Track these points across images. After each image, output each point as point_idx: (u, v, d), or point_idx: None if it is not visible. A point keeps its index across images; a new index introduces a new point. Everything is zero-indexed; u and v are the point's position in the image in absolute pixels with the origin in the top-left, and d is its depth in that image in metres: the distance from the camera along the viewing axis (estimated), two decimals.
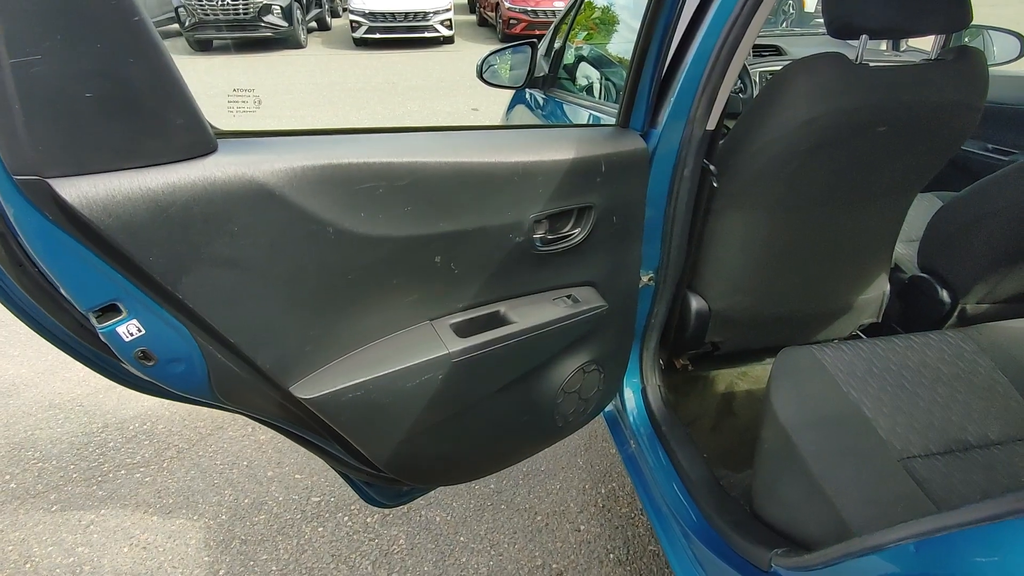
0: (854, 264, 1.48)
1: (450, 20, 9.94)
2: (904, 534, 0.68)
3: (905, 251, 1.80)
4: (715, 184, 1.29)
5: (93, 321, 0.62)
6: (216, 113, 0.67)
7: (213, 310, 0.67)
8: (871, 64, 1.09)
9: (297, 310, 0.75)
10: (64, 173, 0.54)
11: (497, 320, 1.03)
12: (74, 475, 1.88)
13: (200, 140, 0.61)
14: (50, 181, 0.53)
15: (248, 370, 0.75)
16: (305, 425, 0.89)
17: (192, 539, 1.66)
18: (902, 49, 2.68)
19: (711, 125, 1.18)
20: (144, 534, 1.67)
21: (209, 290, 0.66)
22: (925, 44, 2.38)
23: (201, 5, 8.80)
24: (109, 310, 0.62)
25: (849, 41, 1.24)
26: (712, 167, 1.25)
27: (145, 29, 0.54)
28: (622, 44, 2.35)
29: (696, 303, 1.50)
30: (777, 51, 2.37)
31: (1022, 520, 0.57)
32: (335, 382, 0.82)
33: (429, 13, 9.74)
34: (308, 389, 0.80)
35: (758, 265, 1.43)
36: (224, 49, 9.64)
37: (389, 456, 0.97)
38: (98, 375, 0.82)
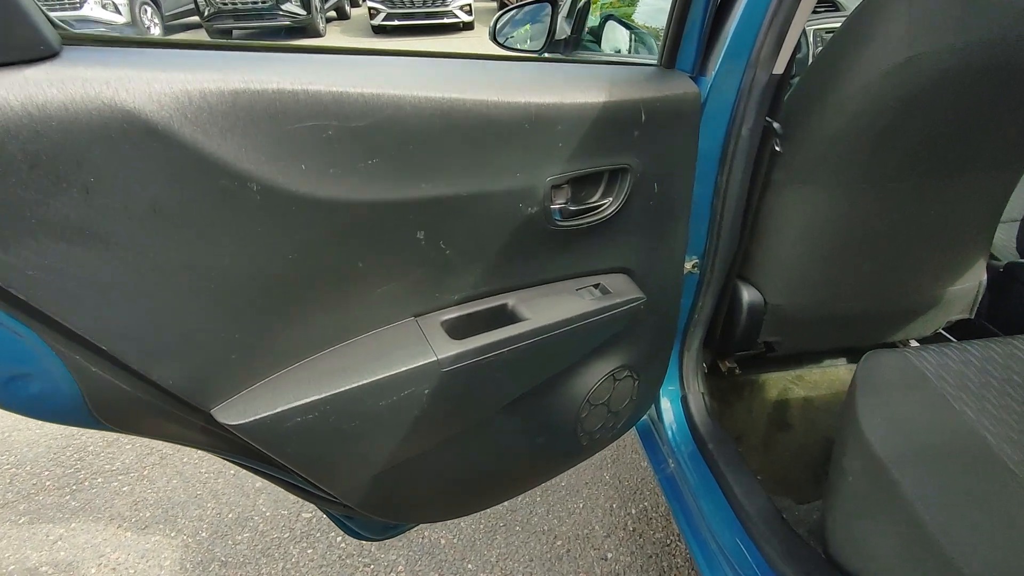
0: (947, 248, 1.21)
1: (470, 6, 9.68)
2: None
3: (999, 234, 1.51)
4: (778, 148, 1.04)
5: None
6: None
7: (67, 304, 0.45)
8: None
9: (211, 305, 0.53)
10: None
11: (504, 316, 0.80)
12: (47, 483, 1.71)
13: (21, 38, 0.39)
14: None
15: (143, 388, 0.53)
16: (247, 453, 0.67)
17: (167, 559, 1.47)
18: None
19: (779, 68, 0.93)
20: (115, 552, 1.49)
21: (55, 274, 0.44)
22: None
23: None
24: None
25: None
26: (776, 125, 1.00)
27: None
28: (651, 4, 2.08)
29: (749, 295, 1.24)
30: (834, 6, 2.07)
31: None
32: (276, 402, 0.60)
33: None
34: (237, 412, 0.58)
35: (827, 251, 1.17)
36: (244, 39, 9.56)
37: (362, 494, 0.75)
38: None
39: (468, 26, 10.02)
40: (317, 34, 9.56)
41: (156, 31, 8.70)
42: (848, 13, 2.17)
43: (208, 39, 0.48)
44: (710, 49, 0.90)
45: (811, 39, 1.91)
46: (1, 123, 0.38)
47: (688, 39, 0.86)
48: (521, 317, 0.79)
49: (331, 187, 0.55)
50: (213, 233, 0.50)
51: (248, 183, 0.50)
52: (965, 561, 0.68)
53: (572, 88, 0.71)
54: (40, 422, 1.91)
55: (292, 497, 1.63)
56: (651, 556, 1.47)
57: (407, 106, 0.58)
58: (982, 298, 1.37)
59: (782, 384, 1.56)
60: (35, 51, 0.40)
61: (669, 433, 1.27)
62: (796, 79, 1.02)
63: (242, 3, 8.88)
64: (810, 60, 1.89)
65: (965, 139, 1.01)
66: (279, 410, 0.59)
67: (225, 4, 8.82)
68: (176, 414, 0.57)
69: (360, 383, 0.64)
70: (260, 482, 1.68)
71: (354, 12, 12.05)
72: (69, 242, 0.43)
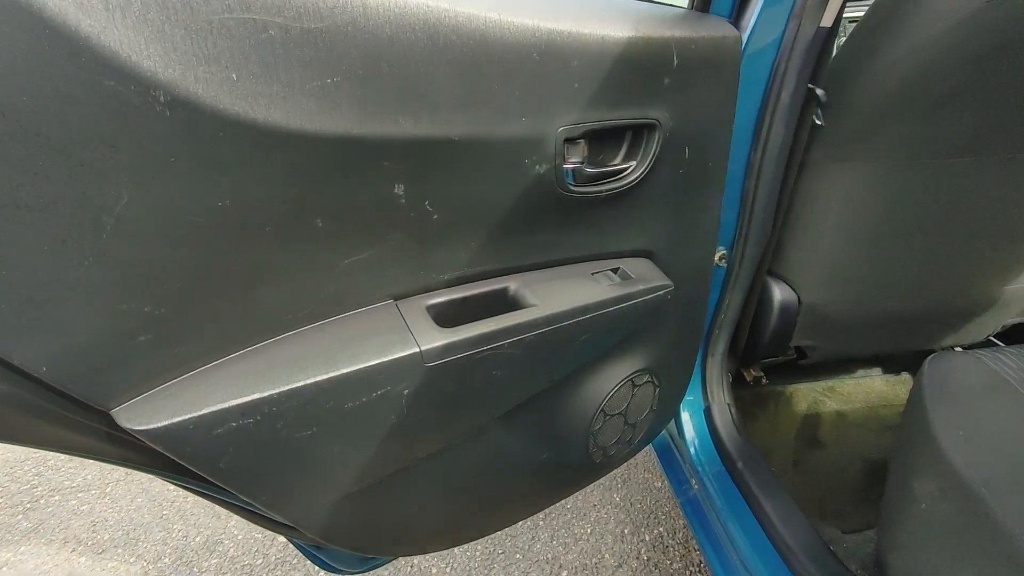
0: (1010, 240, 1.06)
1: None
2: None
3: None
4: (818, 121, 0.90)
5: None
6: None
7: None
8: None
9: (106, 264, 0.38)
10: None
11: (505, 302, 0.66)
12: (0, 500, 1.55)
13: None
14: None
15: (7, 378, 0.38)
16: (170, 468, 0.52)
17: None
18: None
19: (827, 20, 0.80)
20: None
21: None
22: None
23: None
24: None
25: None
26: (820, 91, 0.86)
27: None
28: None
29: (781, 293, 1.10)
30: None
31: None
32: (203, 400, 0.45)
33: None
34: (146, 414, 0.43)
35: (872, 240, 1.02)
36: None
37: (323, 520, 0.59)
38: None
39: None
40: None
41: None
42: None
43: None
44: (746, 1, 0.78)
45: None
46: None
47: None
48: (525, 304, 0.65)
49: (274, 110, 0.41)
50: (97, 158, 0.36)
51: (151, 90, 0.36)
52: None
53: (592, 16, 0.58)
54: None
55: None
56: None
57: (379, 10, 0.44)
58: None
59: (811, 396, 1.41)
60: None
61: (691, 450, 1.12)
62: (853, 29, 0.89)
63: None
64: (843, 31, 1.76)
65: None
66: (206, 411, 0.45)
67: None
68: (63, 415, 0.43)
69: (319, 379, 0.50)
70: None
71: None
72: None
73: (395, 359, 0.54)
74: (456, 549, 1.38)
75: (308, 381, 0.49)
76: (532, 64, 0.54)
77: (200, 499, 1.51)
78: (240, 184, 0.42)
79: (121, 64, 0.35)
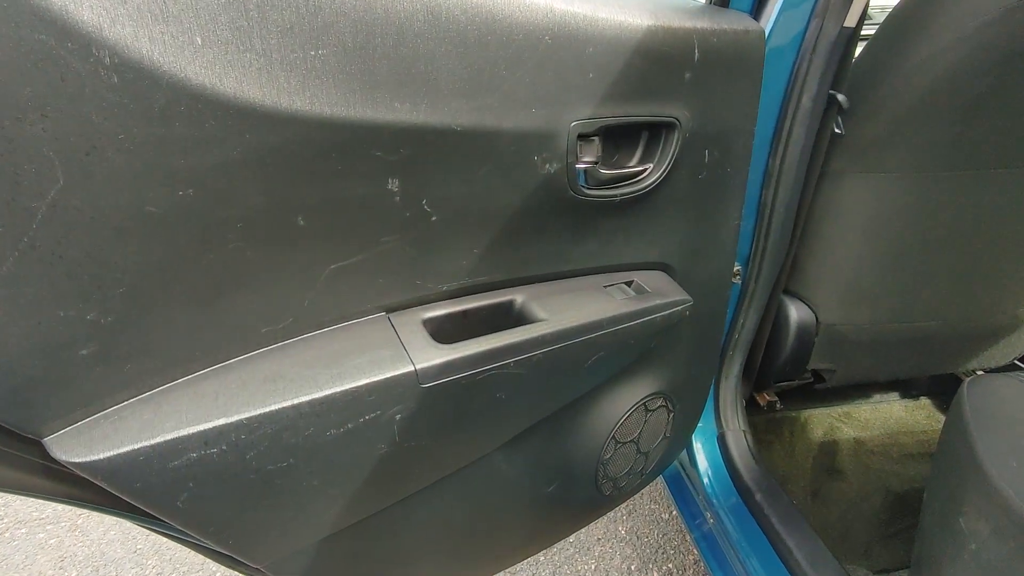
0: None
1: None
2: None
3: None
4: (839, 130, 0.86)
5: None
6: None
7: None
8: None
9: (33, 260, 0.32)
10: None
11: (510, 316, 0.59)
12: None
13: None
14: None
15: None
16: (120, 506, 0.44)
17: None
18: None
19: (851, 20, 0.75)
20: None
21: None
22: None
23: None
24: None
25: None
26: (841, 97, 0.82)
27: None
28: None
29: (797, 313, 1.04)
30: None
31: None
32: (158, 427, 0.38)
33: None
34: (88, 442, 0.36)
35: (893, 259, 0.97)
36: None
37: (303, 567, 0.52)
38: None
39: None
40: None
41: None
42: None
43: None
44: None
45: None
46: None
47: None
48: (533, 319, 0.58)
49: (246, 83, 0.35)
50: (23, 132, 0.29)
51: (93, 49, 0.30)
52: None
53: (610, 1, 0.53)
54: None
55: None
56: None
57: None
58: None
59: (828, 422, 1.34)
60: None
61: (705, 480, 1.04)
62: (875, 33, 0.85)
63: None
64: None
65: None
66: (160, 440, 0.37)
67: None
68: None
69: (297, 401, 0.43)
70: None
71: None
72: None
73: (386, 379, 0.47)
74: None
75: (285, 404, 0.42)
76: (544, 48, 0.48)
77: None
78: (205, 170, 0.36)
79: (54, 15, 0.29)
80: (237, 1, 0.34)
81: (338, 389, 0.45)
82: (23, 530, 1.46)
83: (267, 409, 0.42)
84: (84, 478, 0.38)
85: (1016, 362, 1.23)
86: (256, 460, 0.42)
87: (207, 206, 0.37)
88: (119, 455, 0.36)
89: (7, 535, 1.44)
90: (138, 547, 1.41)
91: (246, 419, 0.41)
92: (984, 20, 0.70)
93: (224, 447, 0.40)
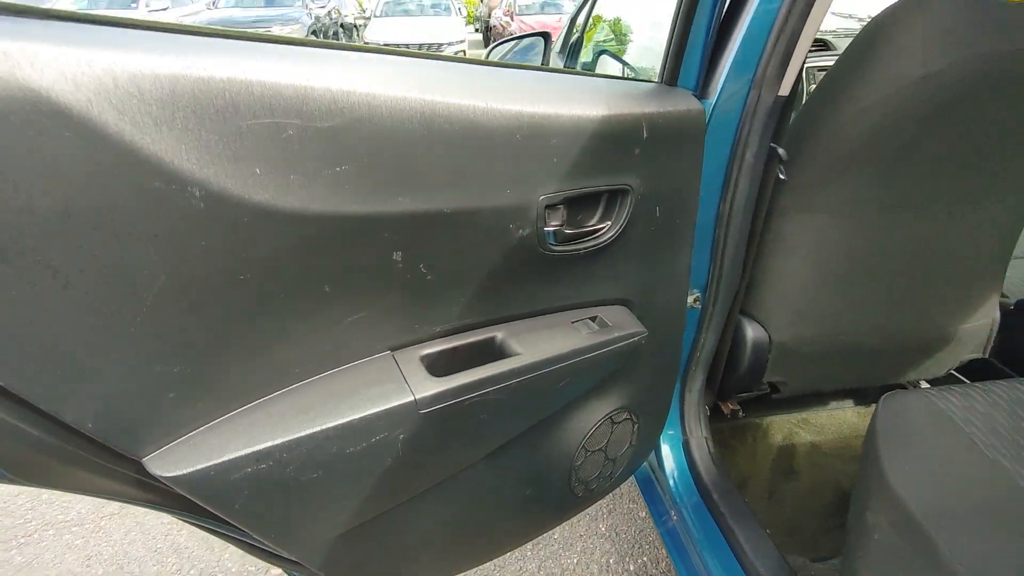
0: (961, 282, 1.15)
1: (463, 52, 9.95)
2: None
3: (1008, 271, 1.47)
4: (782, 175, 0.99)
5: None
6: None
7: None
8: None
9: (142, 333, 0.45)
10: None
11: (492, 351, 0.72)
12: None
13: None
14: None
15: (56, 433, 0.44)
16: (190, 509, 0.57)
17: None
18: None
19: (784, 90, 0.88)
20: None
21: None
22: None
23: None
24: None
25: None
26: (781, 151, 0.95)
27: None
28: (644, 40, 2.09)
29: (753, 332, 1.17)
30: (825, 45, 2.08)
31: None
32: (222, 449, 0.51)
33: (443, 45, 9.76)
34: (174, 462, 0.49)
35: (833, 284, 1.10)
36: None
37: (325, 556, 0.65)
38: None
39: None
40: None
41: None
42: (839, 53, 2.19)
43: (142, 19, 0.41)
44: (713, 67, 0.86)
45: (803, 75, 1.91)
46: None
47: (690, 56, 0.81)
48: (511, 352, 0.71)
49: (292, 197, 0.48)
50: (142, 246, 0.42)
51: (188, 187, 0.43)
52: None
53: (569, 99, 0.66)
54: None
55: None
56: None
57: (382, 107, 0.51)
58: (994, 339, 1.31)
59: (787, 428, 1.47)
60: None
61: (671, 482, 1.17)
62: (812, 93, 0.98)
63: None
64: (804, 97, 1.88)
65: (986, 162, 0.96)
66: (226, 459, 0.50)
67: None
68: (99, 464, 0.48)
69: (324, 427, 0.56)
70: None
71: None
72: None
73: (392, 408, 0.60)
74: None
75: (315, 429, 0.55)
76: (516, 144, 0.61)
77: (194, 532, 1.54)
78: (261, 259, 0.49)
79: (165, 168, 0.41)
80: (285, 140, 0.46)
81: (355, 416, 0.58)
82: (51, 532, 1.57)
83: (301, 434, 0.55)
84: (165, 488, 0.50)
85: (953, 372, 1.36)
86: (294, 473, 0.55)
87: (259, 284, 0.50)
88: (196, 471, 0.49)
89: (36, 536, 1.56)
90: (158, 546, 1.53)
91: (286, 442, 0.54)
92: (902, 85, 0.82)
93: (271, 463, 0.53)
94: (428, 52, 0.60)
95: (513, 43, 1.85)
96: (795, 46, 0.83)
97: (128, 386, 0.45)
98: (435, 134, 0.55)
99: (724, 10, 0.81)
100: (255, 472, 0.52)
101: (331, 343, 0.59)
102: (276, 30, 9.04)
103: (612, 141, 0.69)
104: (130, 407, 0.46)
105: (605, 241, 0.75)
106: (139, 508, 1.61)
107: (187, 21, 9.57)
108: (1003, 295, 1.45)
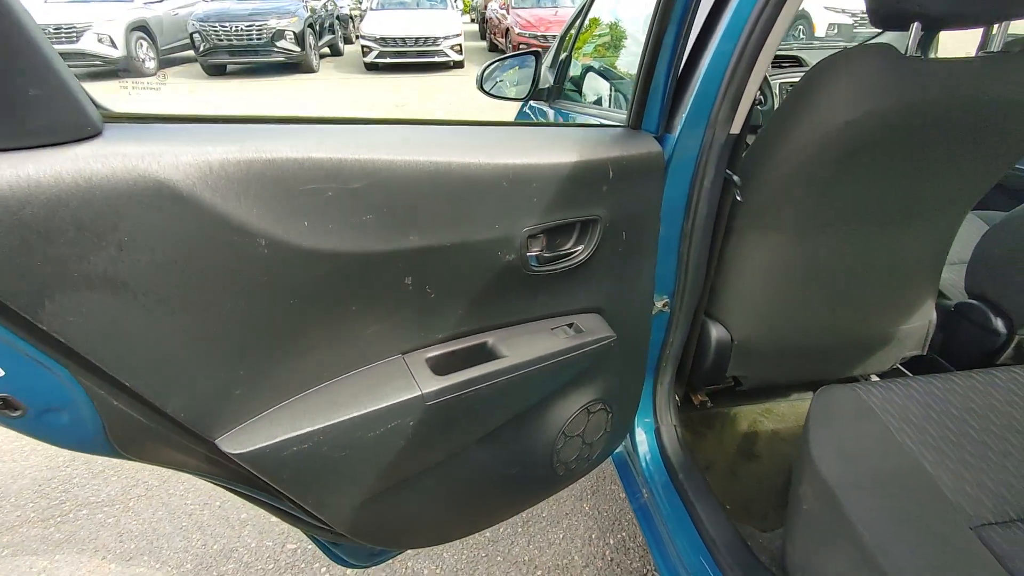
0: (896, 290, 1.31)
1: (460, 46, 10.00)
2: None
3: (948, 275, 1.62)
4: (738, 198, 1.14)
5: None
6: None
7: (96, 345, 0.52)
8: (922, 58, 0.93)
9: (220, 345, 0.60)
10: None
11: (484, 354, 0.87)
12: (32, 515, 1.72)
13: (71, 121, 0.47)
14: None
15: (157, 419, 0.59)
16: (244, 481, 0.72)
17: None
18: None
19: (735, 129, 1.03)
20: None
21: (88, 319, 0.50)
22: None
23: (216, 31, 8.92)
24: None
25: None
26: (735, 178, 1.10)
27: None
28: (630, 57, 2.23)
29: (716, 332, 1.33)
30: (798, 62, 2.23)
31: None
32: (274, 433, 0.66)
33: (439, 38, 9.80)
34: (239, 442, 0.64)
35: (785, 291, 1.26)
36: (238, 74, 9.76)
37: (350, 519, 0.80)
38: None
39: (458, 64, 10.32)
40: (311, 70, 9.80)
41: (151, 64, 8.89)
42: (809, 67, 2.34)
43: (226, 114, 0.56)
44: (674, 112, 1.01)
45: (776, 91, 2.05)
46: (55, 193, 0.45)
47: (652, 102, 0.96)
48: (499, 354, 0.87)
49: (330, 241, 0.63)
50: (225, 283, 0.57)
51: (258, 239, 0.57)
52: None
53: (546, 150, 0.80)
54: (24, 452, 1.93)
55: (277, 529, 1.65)
56: None
57: (398, 169, 0.66)
58: (935, 335, 1.47)
59: (752, 417, 1.64)
60: (83, 131, 0.48)
61: (643, 464, 1.33)
62: (762, 127, 1.12)
63: (237, 39, 9.08)
64: (776, 105, 2.03)
65: (906, 190, 1.11)
66: (277, 440, 0.65)
67: (221, 40, 9.01)
68: (184, 443, 0.63)
69: (351, 415, 0.71)
70: (245, 513, 1.71)
71: (348, 48, 12.38)
72: (103, 291, 0.50)
73: (404, 400, 0.75)
74: (445, 552, 1.58)
75: (344, 418, 0.71)
76: (502, 189, 0.76)
77: (216, 512, 1.70)
78: (306, 288, 0.64)
79: (243, 226, 0.56)
80: (326, 199, 0.61)
81: (374, 407, 0.73)
82: (84, 511, 1.73)
83: (333, 421, 0.70)
84: (229, 465, 0.65)
85: (899, 367, 1.53)
86: (328, 451, 0.70)
87: (304, 307, 0.65)
88: (256, 449, 0.64)
89: (71, 516, 1.72)
90: (183, 524, 1.69)
91: (322, 427, 0.69)
92: (828, 130, 0.97)
93: (311, 444, 0.68)
94: (435, 119, 0.75)
95: (506, 60, 1.99)
96: (743, 93, 0.97)
97: (209, 384, 0.60)
98: (439, 186, 0.70)
99: (681, 65, 0.96)
100: (299, 451, 0.67)
101: (356, 349, 0.74)
102: (273, 22, 9.12)
103: (583, 182, 0.84)
104: (210, 400, 0.61)
105: (579, 261, 0.90)
106: (164, 490, 1.76)
107: (183, 12, 9.60)
108: (946, 297, 1.61)
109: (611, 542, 1.62)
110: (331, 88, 8.86)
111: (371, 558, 1.09)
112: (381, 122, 0.70)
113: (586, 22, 2.05)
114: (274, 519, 1.68)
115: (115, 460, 1.90)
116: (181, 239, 0.53)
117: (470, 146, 0.73)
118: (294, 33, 9.29)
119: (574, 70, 2.07)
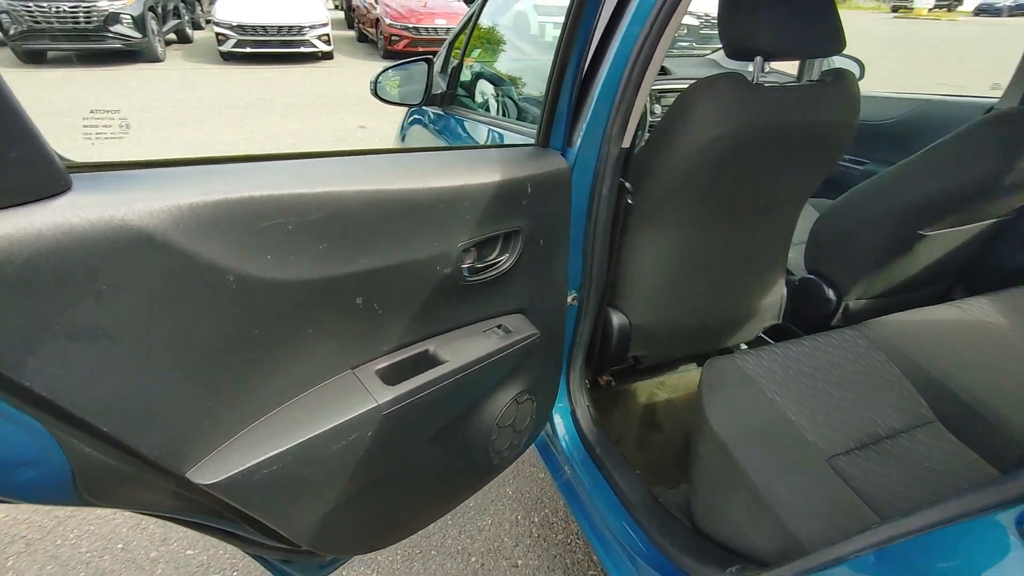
0: (756, 271, 1.56)
1: (328, 35, 9.56)
2: (861, 545, 0.68)
3: (793, 255, 1.94)
4: (631, 201, 1.29)
5: None
6: (67, 144, 0.52)
7: (75, 394, 0.51)
8: (765, 84, 1.14)
9: (189, 379, 0.61)
10: None
11: (427, 360, 0.93)
12: None
13: (45, 177, 0.47)
14: None
15: (129, 461, 0.59)
16: (209, 512, 0.73)
17: None
18: (766, 71, 2.94)
19: (626, 143, 1.18)
20: None
21: (68, 369, 0.50)
22: (783, 67, 2.62)
23: (30, 11, 7.68)
24: None
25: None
26: (628, 185, 1.25)
27: None
28: (513, 63, 2.35)
29: (618, 319, 1.49)
30: (664, 71, 2.49)
31: (970, 524, 0.58)
32: (244, 459, 0.67)
33: (305, 27, 9.28)
34: (210, 472, 0.65)
35: (672, 278, 1.45)
36: (63, 61, 8.52)
37: (314, 532, 0.83)
38: None
39: (327, 56, 9.87)
40: (156, 58, 8.83)
41: None
42: (675, 75, 2.60)
43: (187, 156, 0.57)
44: (574, 129, 1.13)
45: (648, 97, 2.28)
46: (36, 250, 0.45)
47: (558, 123, 1.07)
48: (441, 360, 0.93)
49: (291, 271, 0.66)
50: (195, 319, 0.58)
51: (226, 275, 0.59)
52: (784, 510, 0.94)
53: (474, 171, 0.88)
54: None
55: (196, 560, 1.58)
56: (555, 556, 1.65)
57: (348, 199, 0.70)
58: (786, 307, 1.77)
59: (649, 390, 1.85)
60: (57, 186, 0.47)
61: (563, 444, 1.46)
62: (646, 141, 1.28)
63: (59, 22, 7.89)
64: (649, 117, 2.26)
65: (759, 189, 1.34)
66: (248, 465, 0.67)
67: (39, 23, 7.79)
68: (153, 481, 0.63)
69: (315, 432, 0.74)
70: (156, 550, 1.60)
71: (197, 35, 11.29)
72: (82, 340, 0.50)
73: (361, 413, 0.79)
74: (379, 556, 1.61)
75: (307, 436, 0.73)
76: (439, 210, 0.83)
77: (117, 555, 1.58)
78: (269, 316, 0.66)
79: (213, 264, 0.58)
80: (286, 233, 0.64)
81: (335, 423, 0.76)
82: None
83: (297, 441, 0.73)
84: (194, 496, 0.66)
85: (761, 335, 1.81)
86: (296, 469, 0.73)
87: (267, 334, 0.67)
88: (228, 477, 0.65)
89: None
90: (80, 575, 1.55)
91: (288, 448, 0.71)
92: (699, 144, 1.15)
93: (279, 465, 0.70)
94: (373, 148, 0.79)
95: (399, 67, 2.01)
96: (630, 114, 1.12)
97: (180, 419, 0.61)
98: (384, 212, 0.75)
99: (579, 87, 1.08)
100: (270, 473, 0.69)
101: (310, 369, 0.77)
102: (104, 3, 8.03)
103: (506, 199, 0.92)
104: (181, 435, 0.62)
105: (505, 269, 0.99)
106: (50, 540, 1.60)
107: None
108: (792, 274, 1.93)
109: (536, 520, 1.75)
110: (185, 81, 8.06)
111: (320, 570, 1.10)
112: (327, 155, 0.73)
113: (473, 30, 2.13)
114: (189, 551, 1.60)
115: None
116: (156, 283, 0.54)
117: (410, 173, 0.79)
118: (132, 17, 8.26)
119: (464, 76, 2.14)
